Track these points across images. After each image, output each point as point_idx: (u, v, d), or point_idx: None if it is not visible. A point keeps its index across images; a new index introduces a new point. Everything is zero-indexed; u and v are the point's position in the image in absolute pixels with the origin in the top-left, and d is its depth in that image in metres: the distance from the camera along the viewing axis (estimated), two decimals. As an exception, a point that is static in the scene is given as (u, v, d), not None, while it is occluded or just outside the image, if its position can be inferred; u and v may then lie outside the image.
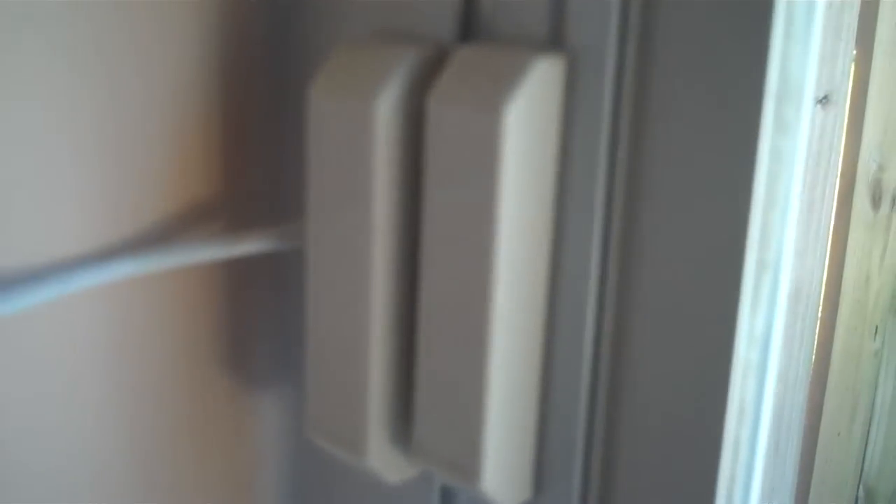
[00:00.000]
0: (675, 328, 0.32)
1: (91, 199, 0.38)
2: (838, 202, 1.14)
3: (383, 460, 0.37)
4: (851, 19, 0.96)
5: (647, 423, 0.34)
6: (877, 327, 1.20)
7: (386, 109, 0.34)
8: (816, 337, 1.14)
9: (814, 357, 1.16)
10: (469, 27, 0.35)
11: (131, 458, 0.42)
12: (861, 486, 1.25)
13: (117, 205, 0.38)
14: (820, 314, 1.16)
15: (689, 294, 0.32)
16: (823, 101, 0.93)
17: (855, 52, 1.05)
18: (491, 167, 0.32)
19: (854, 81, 1.09)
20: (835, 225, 1.15)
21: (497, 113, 0.31)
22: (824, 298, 1.18)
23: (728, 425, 0.32)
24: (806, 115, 0.32)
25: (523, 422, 0.35)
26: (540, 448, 0.36)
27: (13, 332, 0.37)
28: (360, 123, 0.34)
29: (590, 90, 0.32)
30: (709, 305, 0.32)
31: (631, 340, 0.34)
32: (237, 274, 0.43)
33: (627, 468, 0.35)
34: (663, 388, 0.33)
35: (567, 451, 0.35)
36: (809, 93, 0.31)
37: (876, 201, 1.16)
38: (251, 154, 0.42)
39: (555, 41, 0.33)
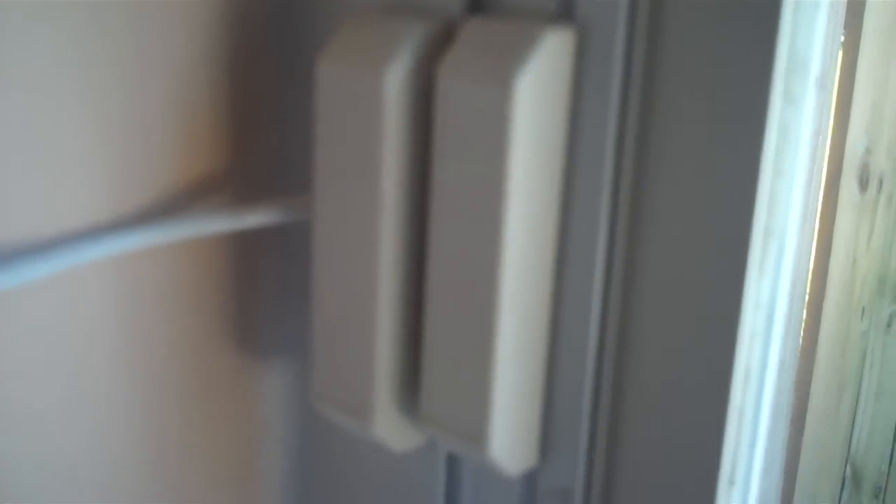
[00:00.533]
0: (682, 294, 0.33)
1: (99, 172, 0.38)
2: (826, 185, 1.15)
3: (390, 428, 0.38)
4: (840, 3, 0.96)
5: (654, 388, 0.34)
6: (864, 309, 1.20)
7: (395, 82, 0.34)
8: (804, 318, 1.14)
9: (801, 338, 1.16)
10: (478, 0, 0.35)
11: (138, 427, 0.42)
12: (848, 466, 1.27)
13: (125, 177, 0.38)
14: (807, 296, 1.17)
15: (697, 261, 0.32)
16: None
17: (843, 36, 1.06)
18: (500, 139, 0.32)
19: (842, 65, 1.09)
20: (822, 208, 1.16)
21: (507, 85, 0.31)
22: (812, 281, 1.18)
23: (734, 391, 0.33)
24: (812, 87, 0.32)
25: (530, 388, 0.36)
26: (546, 414, 0.36)
27: (21, 304, 0.37)
28: (368, 96, 0.34)
29: (599, 63, 0.32)
30: (716, 272, 0.32)
31: (638, 307, 0.34)
32: (244, 246, 0.43)
33: (633, 434, 0.35)
34: (670, 353, 0.33)
35: (573, 417, 0.36)
36: (815, 65, 0.32)
37: (863, 184, 1.17)
38: (259, 127, 0.42)
39: (564, 14, 0.33)
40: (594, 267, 0.34)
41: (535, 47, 0.32)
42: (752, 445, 0.34)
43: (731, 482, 0.34)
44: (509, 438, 0.35)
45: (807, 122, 0.32)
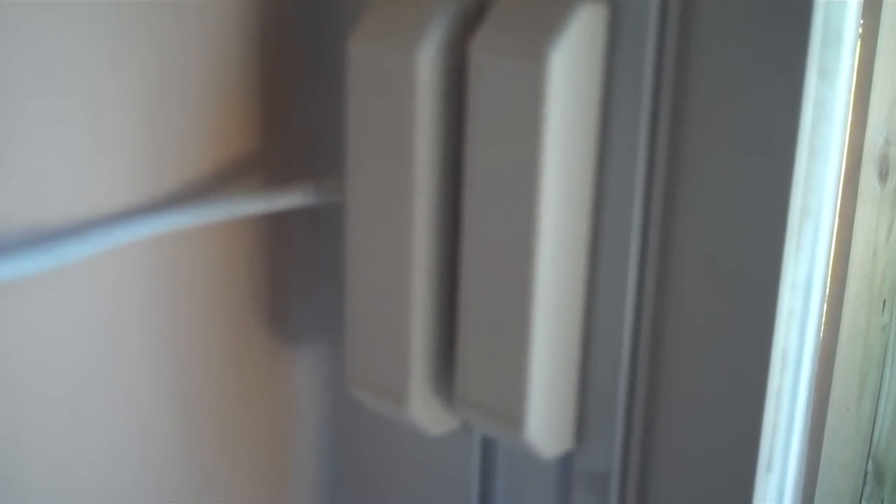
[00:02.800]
0: (718, 274, 0.33)
1: (134, 154, 0.38)
2: (845, 177, 1.14)
3: (425, 411, 0.37)
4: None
5: (691, 370, 0.34)
6: (884, 302, 1.20)
7: (427, 59, 0.34)
8: (824, 311, 1.14)
9: (822, 332, 1.16)
10: (509, -23, 0.35)
11: (171, 410, 0.42)
12: (870, 461, 1.26)
13: (160, 160, 0.39)
14: (827, 289, 1.16)
15: (733, 240, 0.32)
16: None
17: (861, 24, 1.05)
18: (535, 115, 0.32)
19: (860, 54, 1.09)
20: (842, 200, 1.15)
21: (541, 60, 0.31)
22: (832, 273, 1.18)
23: (772, 373, 0.32)
24: (845, 63, 0.32)
25: (566, 371, 0.35)
26: (582, 397, 0.36)
27: (58, 286, 0.37)
28: (400, 75, 0.34)
29: (633, 37, 0.32)
30: (753, 252, 0.32)
31: (674, 287, 0.34)
32: (276, 228, 0.43)
33: (670, 417, 0.35)
34: (707, 334, 0.33)
35: (609, 399, 0.36)
36: (849, 40, 0.31)
37: (883, 176, 1.16)
38: (290, 108, 0.42)
39: (597, -11, 0.33)
40: (629, 247, 0.34)
41: (569, 22, 0.31)
42: (790, 431, 0.34)
43: (769, 468, 0.33)
44: (545, 421, 0.35)
45: (840, 99, 0.32)
